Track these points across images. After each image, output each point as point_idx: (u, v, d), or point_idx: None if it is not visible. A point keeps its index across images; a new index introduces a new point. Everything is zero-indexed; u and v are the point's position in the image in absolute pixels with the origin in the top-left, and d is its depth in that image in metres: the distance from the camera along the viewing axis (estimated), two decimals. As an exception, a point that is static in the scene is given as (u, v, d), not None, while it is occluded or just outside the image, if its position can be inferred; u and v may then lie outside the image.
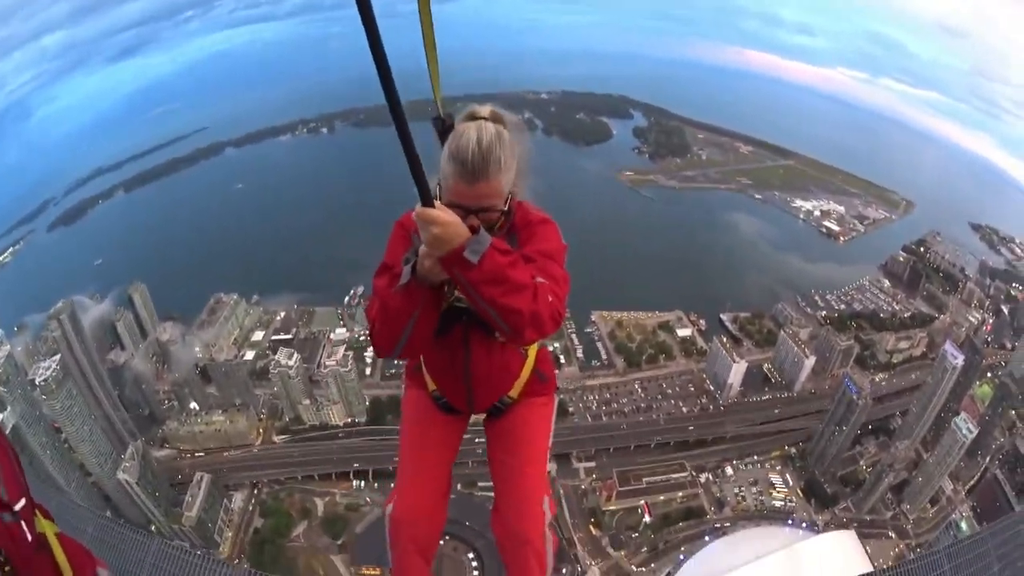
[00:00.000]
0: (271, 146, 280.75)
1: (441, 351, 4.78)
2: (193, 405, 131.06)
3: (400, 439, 5.68)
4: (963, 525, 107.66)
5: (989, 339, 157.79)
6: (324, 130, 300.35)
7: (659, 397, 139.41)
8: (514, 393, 5.25)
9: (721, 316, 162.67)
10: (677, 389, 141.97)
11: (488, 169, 3.83)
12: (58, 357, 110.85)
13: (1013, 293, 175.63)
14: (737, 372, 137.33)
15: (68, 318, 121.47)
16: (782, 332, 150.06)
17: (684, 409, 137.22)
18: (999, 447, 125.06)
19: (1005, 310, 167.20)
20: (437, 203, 3.44)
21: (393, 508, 5.24)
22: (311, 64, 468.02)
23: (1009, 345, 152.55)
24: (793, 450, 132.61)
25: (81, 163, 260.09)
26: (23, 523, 3.86)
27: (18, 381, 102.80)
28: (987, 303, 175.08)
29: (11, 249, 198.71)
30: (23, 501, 3.88)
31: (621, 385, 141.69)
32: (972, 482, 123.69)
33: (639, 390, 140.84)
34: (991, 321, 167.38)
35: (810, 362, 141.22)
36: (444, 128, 4.05)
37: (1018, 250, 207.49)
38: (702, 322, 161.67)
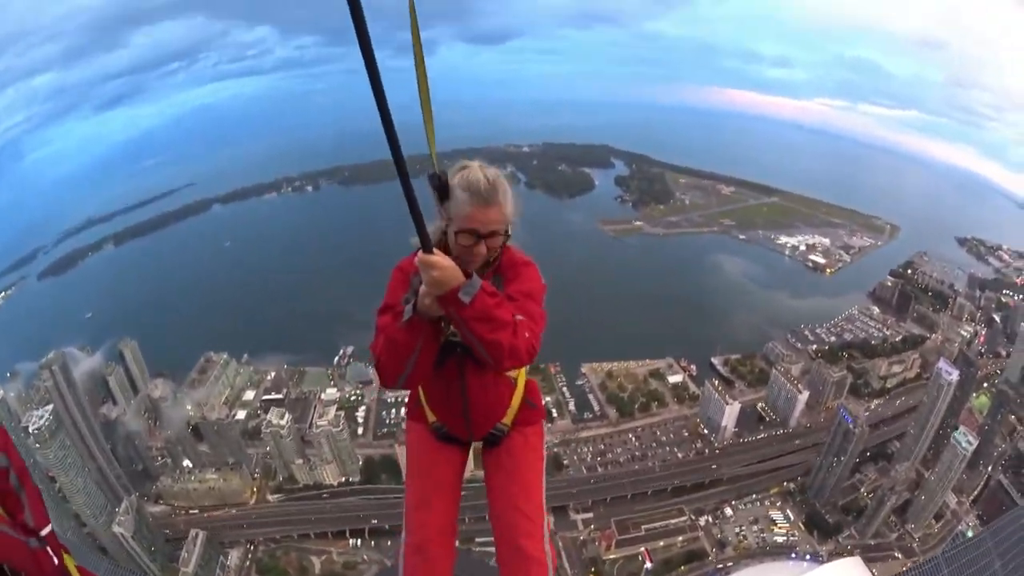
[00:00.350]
0: (258, 204, 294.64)
1: (439, 382, 5.64)
2: (186, 463, 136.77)
3: (406, 473, 6.36)
4: (969, 534, 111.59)
5: (983, 350, 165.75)
6: (309, 188, 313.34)
7: (654, 445, 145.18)
8: (507, 420, 6.00)
9: (712, 360, 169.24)
10: (671, 436, 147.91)
11: (497, 195, 4.85)
12: (51, 407, 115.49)
13: (1004, 300, 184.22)
14: (731, 414, 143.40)
15: (60, 369, 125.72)
16: (773, 370, 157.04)
17: (679, 455, 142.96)
18: (1001, 453, 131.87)
19: (997, 318, 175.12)
20: (435, 251, 4.37)
21: (406, 537, 5.95)
22: (294, 119, 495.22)
23: (1004, 352, 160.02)
24: (792, 485, 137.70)
25: (72, 212, 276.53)
26: (48, 549, 4.52)
27: (11, 427, 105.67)
28: (978, 315, 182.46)
29: (2, 294, 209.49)
30: (48, 528, 4.60)
31: (615, 435, 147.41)
32: (976, 492, 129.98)
33: (633, 439, 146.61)
34: (984, 332, 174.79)
35: (803, 397, 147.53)
36: (439, 184, 4.82)
37: (1006, 256, 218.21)
38: (693, 367, 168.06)
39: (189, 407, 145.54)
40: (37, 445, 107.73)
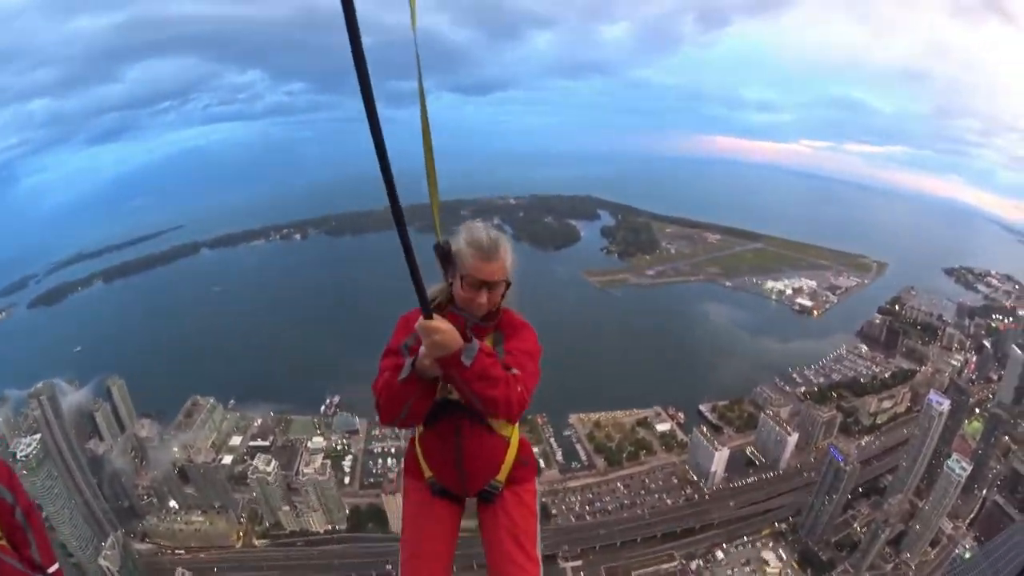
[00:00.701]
0: (246, 250, 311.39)
1: (436, 439, 6.44)
2: (172, 503, 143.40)
3: (402, 526, 6.94)
4: (967, 556, 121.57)
5: (974, 377, 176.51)
6: (297, 236, 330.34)
7: (642, 492, 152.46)
8: (501, 477, 6.65)
9: (699, 407, 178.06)
10: (660, 483, 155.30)
11: (499, 251, 5.84)
12: (38, 436, 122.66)
13: (994, 325, 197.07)
14: (720, 459, 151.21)
15: (48, 400, 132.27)
16: (762, 414, 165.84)
17: (669, 501, 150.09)
18: (996, 475, 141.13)
19: (988, 344, 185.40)
20: (435, 316, 5.06)
21: None
22: (283, 167, 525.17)
23: (995, 377, 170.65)
24: (783, 525, 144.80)
25: (63, 243, 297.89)
26: None
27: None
28: (968, 343, 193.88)
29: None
30: (55, 566, 5.09)
31: (603, 484, 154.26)
32: (972, 515, 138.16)
33: (621, 487, 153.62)
34: (974, 359, 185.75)
35: (793, 439, 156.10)
36: (443, 253, 5.75)
37: (994, 281, 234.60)
38: (680, 415, 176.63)
39: (176, 449, 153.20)
40: (24, 472, 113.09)
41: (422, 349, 5.25)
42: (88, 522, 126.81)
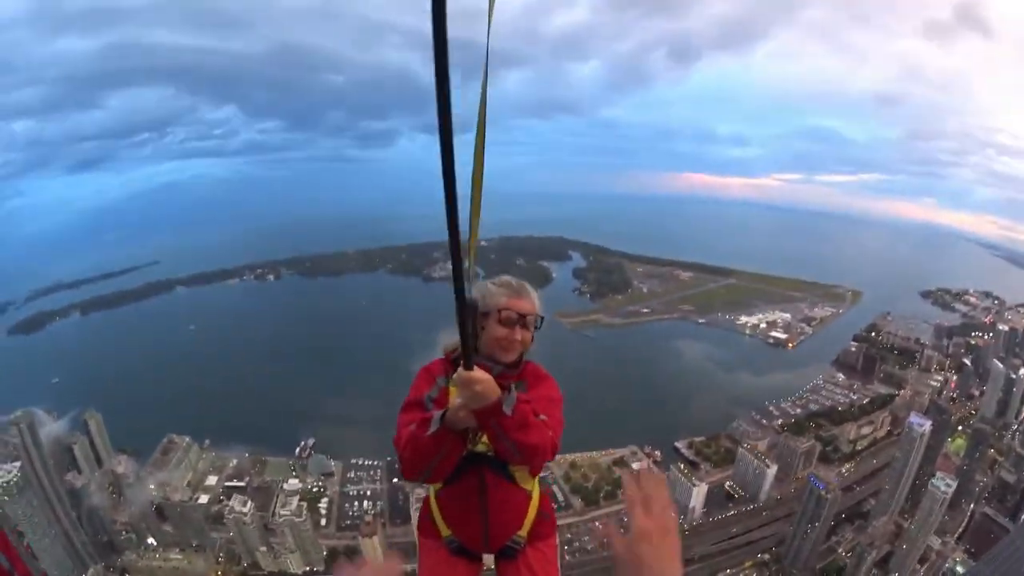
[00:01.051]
0: (220, 289, 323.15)
1: (458, 495, 6.36)
2: (151, 540, 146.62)
3: None
4: (959, 569, 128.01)
5: (955, 395, 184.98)
6: (271, 277, 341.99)
7: (621, 531, 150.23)
8: (523, 532, 6.63)
9: (676, 444, 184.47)
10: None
11: (527, 288, 6.39)
12: (18, 464, 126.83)
13: (973, 342, 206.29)
14: (698, 495, 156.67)
15: (27, 428, 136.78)
16: (740, 448, 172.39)
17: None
18: (984, 487, 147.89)
19: (968, 362, 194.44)
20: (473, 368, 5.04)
21: None
22: (256, 205, 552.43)
23: (977, 393, 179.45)
24: (766, 556, 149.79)
25: (40, 271, 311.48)
26: None
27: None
28: (947, 363, 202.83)
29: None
30: None
31: (581, 524, 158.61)
32: (961, 529, 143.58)
33: (600, 527, 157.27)
34: (954, 378, 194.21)
35: (772, 471, 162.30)
36: (471, 310, 5.87)
37: (973, 299, 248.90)
38: (657, 453, 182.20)
39: (152, 487, 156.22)
40: (6, 498, 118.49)
41: (452, 400, 5.44)
42: (68, 553, 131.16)
